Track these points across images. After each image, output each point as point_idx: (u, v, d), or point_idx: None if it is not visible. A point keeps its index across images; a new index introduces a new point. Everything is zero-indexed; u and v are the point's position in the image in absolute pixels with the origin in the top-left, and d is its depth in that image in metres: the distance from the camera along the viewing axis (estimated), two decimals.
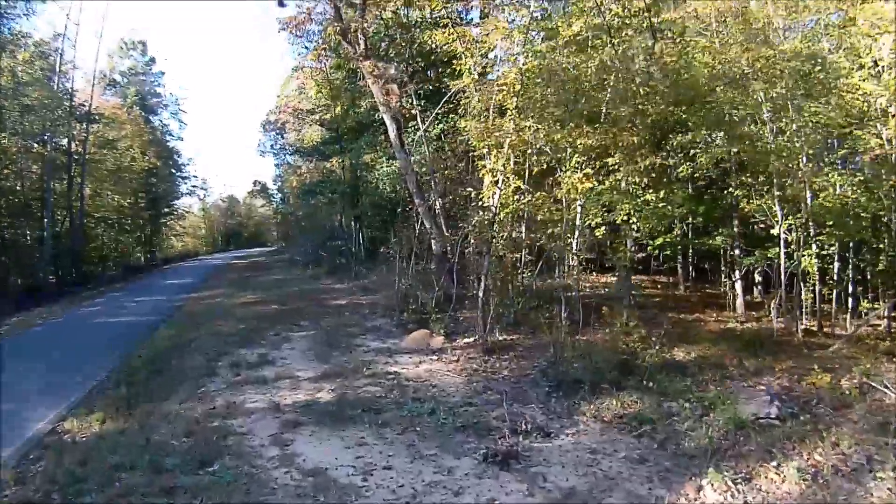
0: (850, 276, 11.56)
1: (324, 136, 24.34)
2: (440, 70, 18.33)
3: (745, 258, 12.69)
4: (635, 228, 11.55)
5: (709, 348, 9.77)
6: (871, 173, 10.68)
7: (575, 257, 12.52)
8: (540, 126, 8.57)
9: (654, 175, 9.91)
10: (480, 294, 10.90)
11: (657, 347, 9.01)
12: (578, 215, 12.49)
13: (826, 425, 6.66)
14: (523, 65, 9.85)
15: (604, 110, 9.55)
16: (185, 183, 46.70)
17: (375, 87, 15.65)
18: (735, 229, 13.22)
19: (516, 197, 11.18)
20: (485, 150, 10.82)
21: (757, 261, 12.22)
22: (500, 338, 10.93)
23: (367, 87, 18.08)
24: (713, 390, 7.81)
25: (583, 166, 8.53)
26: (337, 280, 20.44)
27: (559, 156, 8.65)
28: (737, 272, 13.14)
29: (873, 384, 7.50)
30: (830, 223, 10.94)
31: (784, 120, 10.08)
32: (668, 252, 15.15)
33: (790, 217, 11.19)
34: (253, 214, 60.38)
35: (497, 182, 10.78)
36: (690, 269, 17.59)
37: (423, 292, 13.44)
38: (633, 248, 11.99)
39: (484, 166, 10.83)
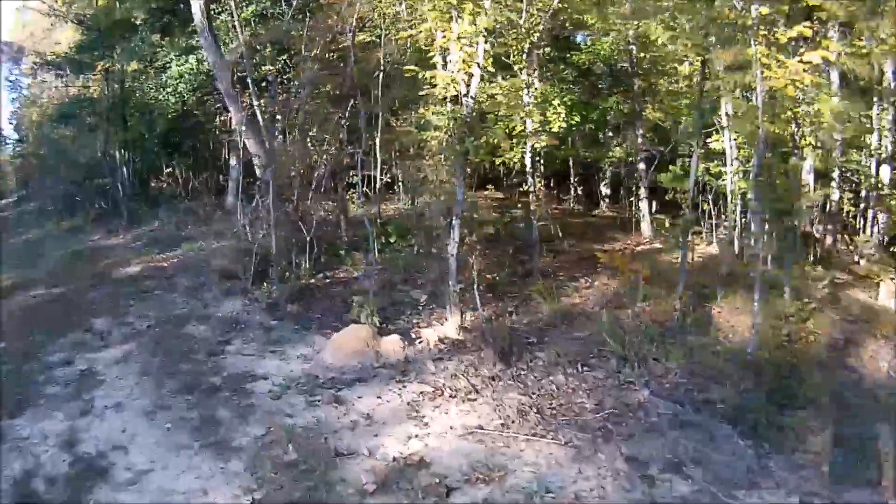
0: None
1: (80, 41, 16.81)
2: None
3: (660, 175, 11.13)
4: None
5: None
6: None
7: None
8: None
9: None
10: (453, 251, 6.79)
11: None
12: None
13: None
14: None
15: None
16: None
17: None
18: (639, 140, 11.55)
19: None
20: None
21: (677, 178, 10.78)
22: (473, 318, 7.10)
23: None
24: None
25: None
26: (107, 233, 13.14)
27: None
28: (643, 190, 11.57)
29: None
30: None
31: None
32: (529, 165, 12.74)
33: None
34: None
35: (474, 56, 6.58)
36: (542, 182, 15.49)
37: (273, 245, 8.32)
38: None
39: (448, 32, 6.47)
